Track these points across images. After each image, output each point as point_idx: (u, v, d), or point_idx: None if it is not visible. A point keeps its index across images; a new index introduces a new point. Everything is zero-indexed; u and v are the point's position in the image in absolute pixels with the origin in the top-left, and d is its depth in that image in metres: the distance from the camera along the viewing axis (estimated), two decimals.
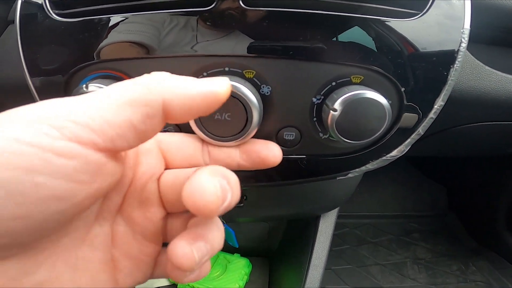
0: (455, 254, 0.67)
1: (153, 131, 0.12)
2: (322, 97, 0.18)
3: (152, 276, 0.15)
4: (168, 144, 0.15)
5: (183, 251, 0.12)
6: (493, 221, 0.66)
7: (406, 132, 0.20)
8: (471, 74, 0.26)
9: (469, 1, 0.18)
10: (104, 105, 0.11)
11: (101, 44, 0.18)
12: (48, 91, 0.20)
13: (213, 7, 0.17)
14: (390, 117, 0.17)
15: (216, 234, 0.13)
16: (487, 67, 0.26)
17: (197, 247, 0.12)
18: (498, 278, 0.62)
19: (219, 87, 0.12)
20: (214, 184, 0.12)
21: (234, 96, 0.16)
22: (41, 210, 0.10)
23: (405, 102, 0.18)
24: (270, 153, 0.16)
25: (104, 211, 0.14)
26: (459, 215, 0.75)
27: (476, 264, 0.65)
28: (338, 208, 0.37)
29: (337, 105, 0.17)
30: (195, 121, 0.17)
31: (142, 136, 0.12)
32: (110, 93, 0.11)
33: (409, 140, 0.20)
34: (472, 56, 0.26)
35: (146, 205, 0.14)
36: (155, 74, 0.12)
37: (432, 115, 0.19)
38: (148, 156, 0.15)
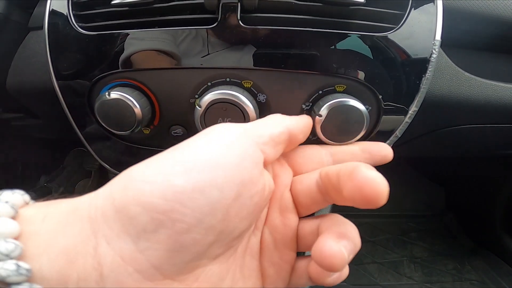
0: (452, 253, 0.68)
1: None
2: (311, 104, 0.21)
3: (290, 284, 0.16)
4: (294, 155, 0.17)
5: (332, 250, 0.12)
6: (490, 221, 0.66)
7: (385, 134, 0.22)
8: (451, 80, 0.28)
9: (441, 14, 0.20)
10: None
11: (121, 56, 0.21)
12: (72, 95, 0.23)
13: (216, 25, 0.20)
14: (369, 122, 0.19)
15: (355, 231, 0.13)
16: (466, 73, 0.28)
17: (344, 245, 0.12)
18: (493, 277, 0.63)
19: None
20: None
21: (234, 104, 0.19)
22: (256, 213, 0.13)
23: (382, 107, 0.21)
24: (389, 150, 0.18)
25: (258, 221, 0.16)
26: (456, 215, 0.76)
27: (472, 264, 0.66)
28: (331, 205, 0.39)
29: (322, 111, 0.19)
30: (201, 125, 0.20)
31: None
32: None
33: (388, 142, 0.22)
34: (452, 63, 0.28)
35: (285, 212, 0.16)
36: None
37: (407, 119, 0.21)
38: (282, 169, 0.17)
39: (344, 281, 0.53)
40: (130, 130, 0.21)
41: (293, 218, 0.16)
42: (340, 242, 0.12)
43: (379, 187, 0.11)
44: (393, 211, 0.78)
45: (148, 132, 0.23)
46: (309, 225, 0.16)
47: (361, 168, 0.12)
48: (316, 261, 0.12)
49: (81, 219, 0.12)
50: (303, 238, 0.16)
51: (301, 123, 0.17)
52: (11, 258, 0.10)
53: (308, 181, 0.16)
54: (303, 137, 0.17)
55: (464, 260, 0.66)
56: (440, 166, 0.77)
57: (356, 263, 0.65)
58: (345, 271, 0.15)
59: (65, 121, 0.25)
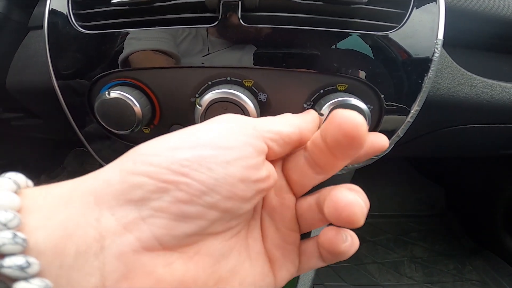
0: (452, 254, 0.68)
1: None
2: (312, 103, 0.21)
3: (300, 267, 0.16)
4: None
5: (348, 198, 0.12)
6: (490, 221, 0.66)
7: (387, 134, 0.22)
8: (453, 79, 0.28)
9: (443, 13, 0.20)
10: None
11: (121, 55, 0.21)
12: (72, 94, 0.23)
13: (216, 24, 0.20)
14: (370, 121, 0.19)
15: (360, 188, 0.13)
16: (468, 73, 0.28)
17: (358, 195, 0.12)
18: (494, 277, 0.62)
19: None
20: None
21: (235, 103, 0.19)
22: (258, 198, 0.13)
23: (384, 107, 0.21)
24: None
25: (256, 205, 0.15)
26: (457, 215, 0.76)
27: (472, 264, 0.66)
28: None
29: (323, 110, 0.19)
30: None
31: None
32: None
33: (389, 141, 0.22)
34: (454, 62, 0.28)
35: (280, 192, 0.16)
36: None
37: (409, 119, 0.21)
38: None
39: (345, 281, 0.52)
40: (130, 130, 0.21)
41: (289, 197, 0.16)
42: (352, 192, 0.12)
43: (356, 120, 0.12)
44: (393, 211, 0.78)
45: (148, 132, 0.23)
46: (306, 201, 0.16)
47: (339, 110, 0.12)
48: (332, 216, 0.12)
49: (84, 193, 0.12)
50: (302, 215, 0.16)
51: (311, 123, 0.17)
52: (9, 228, 0.10)
53: (296, 157, 0.16)
54: (311, 134, 0.17)
55: (464, 260, 0.66)
56: (441, 166, 0.77)
57: (356, 263, 0.65)
58: (357, 240, 0.14)
59: (65, 121, 0.24)
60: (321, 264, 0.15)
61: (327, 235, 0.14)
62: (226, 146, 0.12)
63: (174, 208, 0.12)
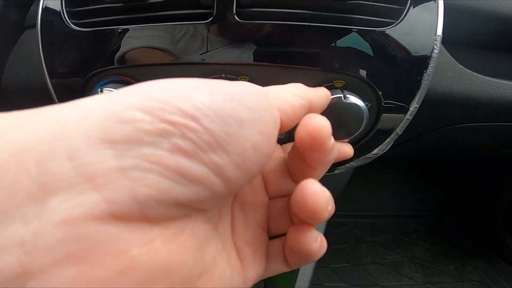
0: (453, 254, 0.68)
1: None
2: None
3: (266, 270, 0.14)
4: None
5: (316, 187, 0.11)
6: (491, 221, 0.66)
7: (386, 132, 0.22)
8: (453, 77, 0.28)
9: (442, 10, 0.20)
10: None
11: (114, 52, 0.21)
12: (66, 92, 0.23)
13: (211, 20, 0.20)
14: (368, 119, 0.19)
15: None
16: (469, 71, 0.28)
17: (325, 190, 0.11)
18: (495, 277, 0.62)
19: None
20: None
21: None
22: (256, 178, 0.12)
23: (382, 104, 0.20)
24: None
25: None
26: (457, 215, 0.76)
27: (473, 264, 0.65)
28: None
29: None
30: None
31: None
32: None
33: (388, 139, 0.22)
34: (454, 60, 0.27)
35: (256, 188, 0.15)
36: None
37: (408, 116, 0.21)
38: None
39: (344, 281, 0.52)
40: None
41: (263, 195, 0.15)
42: (320, 184, 0.11)
43: (321, 122, 0.12)
44: (393, 211, 0.77)
45: None
46: (279, 203, 0.15)
47: (310, 114, 0.12)
48: (298, 204, 0.11)
49: (34, 123, 0.08)
50: (272, 217, 0.15)
51: (323, 99, 0.16)
52: None
53: (278, 159, 0.15)
54: (320, 111, 0.16)
55: (465, 260, 0.66)
56: (441, 166, 0.77)
57: (356, 263, 0.65)
58: (325, 242, 0.13)
59: None
60: (285, 268, 0.14)
61: (298, 233, 0.12)
62: (245, 104, 0.10)
63: (173, 161, 0.08)
